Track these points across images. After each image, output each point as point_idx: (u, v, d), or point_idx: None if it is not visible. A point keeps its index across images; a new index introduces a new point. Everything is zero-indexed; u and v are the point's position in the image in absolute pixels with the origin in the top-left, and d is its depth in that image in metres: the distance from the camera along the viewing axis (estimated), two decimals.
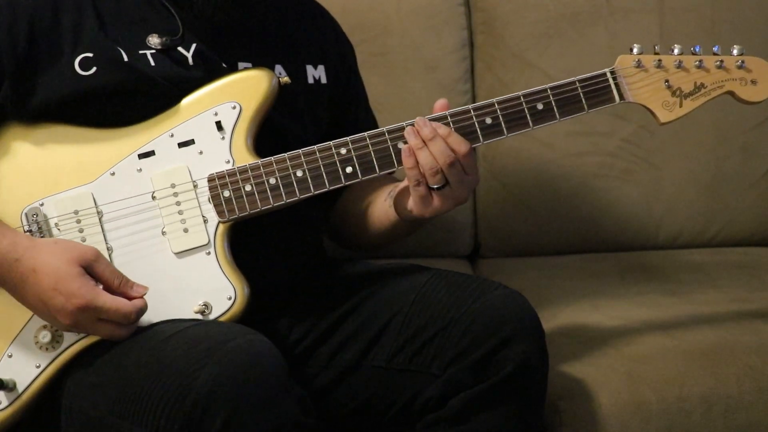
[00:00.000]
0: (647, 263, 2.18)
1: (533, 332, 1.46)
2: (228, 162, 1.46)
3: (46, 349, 1.39)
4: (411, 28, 2.24)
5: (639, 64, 1.53)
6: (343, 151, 1.47)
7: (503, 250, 2.30)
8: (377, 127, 1.72)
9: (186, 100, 1.48)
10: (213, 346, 1.29)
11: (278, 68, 1.58)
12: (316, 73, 1.64)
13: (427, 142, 1.43)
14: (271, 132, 1.52)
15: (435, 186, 1.45)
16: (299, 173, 1.45)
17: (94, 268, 1.36)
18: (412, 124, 1.46)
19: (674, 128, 2.23)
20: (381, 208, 1.59)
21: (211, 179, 1.45)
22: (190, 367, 1.27)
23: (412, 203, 1.48)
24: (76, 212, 1.44)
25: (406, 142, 1.45)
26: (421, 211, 1.48)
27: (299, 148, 1.49)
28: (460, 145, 1.45)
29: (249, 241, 1.49)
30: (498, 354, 1.43)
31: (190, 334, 1.33)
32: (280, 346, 1.50)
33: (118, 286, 1.36)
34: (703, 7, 2.24)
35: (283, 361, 1.33)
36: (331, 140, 1.54)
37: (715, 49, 1.55)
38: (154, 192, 1.45)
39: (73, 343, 1.39)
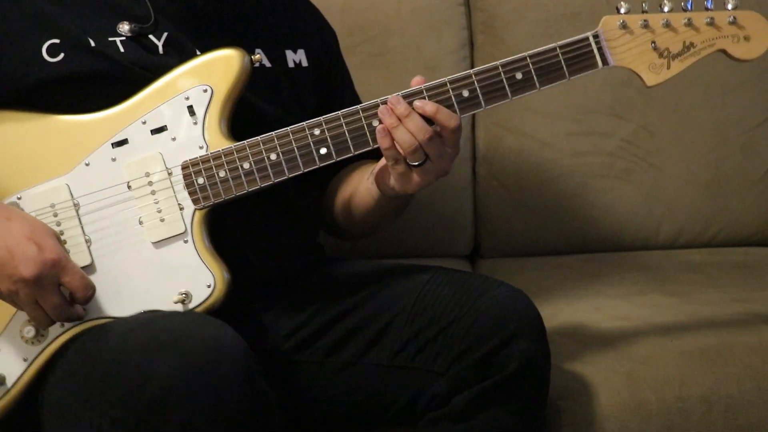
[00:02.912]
0: (647, 263, 2.18)
1: (536, 330, 1.46)
2: (201, 147, 1.44)
3: (32, 342, 1.39)
4: (411, 28, 2.24)
5: (624, 26, 1.47)
6: (317, 131, 1.43)
7: (503, 250, 2.30)
8: None
9: (156, 84, 1.45)
10: (176, 338, 1.27)
11: (257, 52, 1.53)
12: (296, 57, 1.62)
13: (402, 120, 1.40)
14: (254, 119, 1.50)
15: (415, 163, 1.42)
16: (273, 157, 1.43)
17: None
18: (386, 102, 1.43)
19: (674, 128, 2.25)
20: (364, 187, 1.58)
21: (185, 166, 1.43)
22: (150, 358, 1.25)
23: (393, 181, 1.46)
24: (52, 205, 1.43)
25: (381, 121, 1.42)
26: (403, 188, 1.46)
27: None
28: (450, 119, 1.41)
29: (236, 231, 1.49)
30: (501, 352, 1.43)
31: (157, 325, 1.32)
32: (269, 335, 1.52)
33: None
34: None
35: (251, 358, 1.29)
36: None
37: (707, 3, 1.47)
38: (129, 182, 1.43)
39: (59, 336, 1.40)
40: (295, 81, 1.61)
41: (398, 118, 1.40)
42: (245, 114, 1.49)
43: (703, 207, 2.25)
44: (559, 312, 1.85)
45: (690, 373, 1.66)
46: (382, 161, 1.48)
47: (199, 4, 1.52)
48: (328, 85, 1.69)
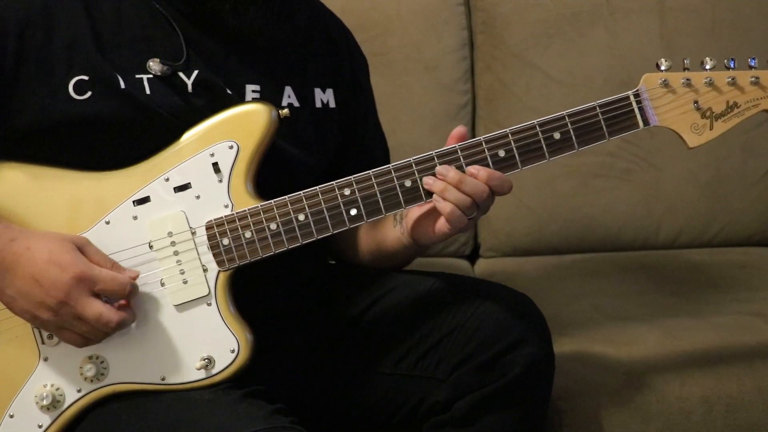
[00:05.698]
0: (647, 263, 2.18)
1: (541, 335, 1.46)
2: (227, 206, 1.38)
3: (48, 409, 1.35)
4: (411, 28, 2.24)
5: (665, 84, 1.40)
6: (347, 191, 1.38)
7: (503, 250, 2.30)
8: (384, 147, 1.70)
9: (181, 139, 1.39)
10: None
11: (287, 90, 1.51)
12: (324, 97, 1.57)
13: (457, 186, 1.36)
14: (273, 158, 1.43)
15: (471, 216, 1.39)
16: (301, 217, 1.37)
17: (85, 251, 1.32)
18: (420, 161, 1.38)
19: None
20: (393, 237, 1.54)
21: (209, 226, 1.37)
22: None
23: (446, 230, 1.41)
24: None
25: (414, 181, 1.38)
26: (454, 235, 1.43)
27: (303, 175, 1.45)
28: (503, 185, 1.39)
29: (251, 272, 1.42)
30: (505, 357, 1.42)
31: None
32: (289, 364, 1.50)
33: (110, 267, 1.33)
34: (703, 7, 2.25)
35: None
36: (336, 163, 1.50)
37: (751, 62, 1.42)
38: (151, 241, 1.37)
39: (74, 402, 1.36)
40: (320, 122, 1.56)
41: (452, 185, 1.37)
42: (266, 154, 1.42)
43: (703, 207, 2.25)
44: (559, 312, 1.85)
45: (690, 373, 1.66)
46: (415, 214, 1.45)
47: (234, 38, 1.46)
48: (352, 123, 1.63)
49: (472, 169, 1.37)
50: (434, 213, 1.42)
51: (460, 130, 1.41)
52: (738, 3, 2.25)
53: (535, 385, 1.45)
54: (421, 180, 1.38)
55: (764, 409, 1.65)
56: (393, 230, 1.53)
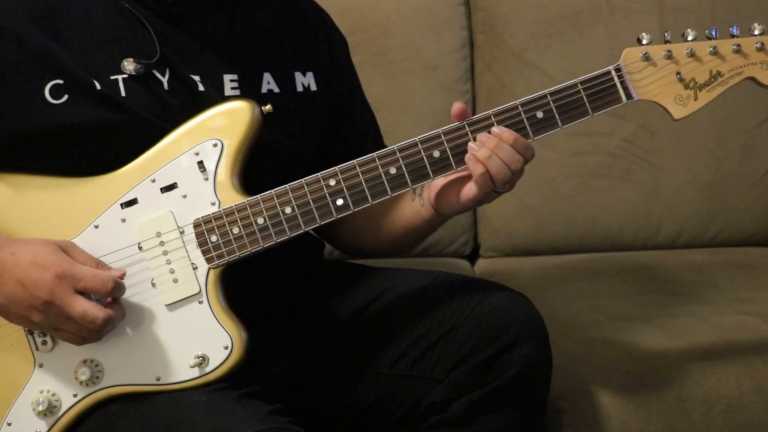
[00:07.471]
0: (647, 263, 2.18)
1: (538, 335, 1.45)
2: (214, 204, 1.39)
3: (44, 415, 1.35)
4: (411, 28, 2.24)
5: (646, 57, 1.41)
6: (332, 182, 1.39)
7: (503, 250, 2.30)
8: (374, 124, 1.69)
9: (165, 140, 1.40)
10: None
11: (266, 76, 1.51)
12: (305, 80, 1.56)
13: (495, 151, 1.37)
14: (260, 147, 1.43)
15: (502, 190, 1.41)
16: (288, 210, 1.38)
17: (70, 253, 1.33)
18: (404, 147, 1.39)
19: (674, 128, 2.25)
20: (412, 209, 1.54)
21: (197, 224, 1.38)
22: None
23: (471, 201, 1.43)
24: None
25: (399, 168, 1.39)
26: (480, 204, 1.45)
27: (291, 162, 1.45)
28: (526, 150, 1.40)
29: (244, 269, 1.43)
30: (502, 357, 1.42)
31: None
32: (286, 364, 1.51)
33: (95, 267, 1.33)
34: (703, 7, 2.25)
35: None
36: (326, 147, 1.50)
37: (733, 30, 1.42)
38: (140, 243, 1.38)
39: (71, 407, 1.36)
40: (303, 106, 1.54)
41: (490, 150, 1.38)
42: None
43: (703, 207, 2.25)
44: (559, 312, 1.85)
45: (690, 373, 1.66)
46: (438, 184, 1.46)
47: (207, 29, 1.46)
48: (336, 104, 1.63)
49: (498, 129, 1.38)
50: (457, 182, 1.43)
51: (459, 106, 1.41)
52: (738, 3, 2.25)
53: (532, 385, 1.46)
54: (405, 167, 1.39)
55: (764, 409, 1.65)
56: (411, 204, 1.53)
